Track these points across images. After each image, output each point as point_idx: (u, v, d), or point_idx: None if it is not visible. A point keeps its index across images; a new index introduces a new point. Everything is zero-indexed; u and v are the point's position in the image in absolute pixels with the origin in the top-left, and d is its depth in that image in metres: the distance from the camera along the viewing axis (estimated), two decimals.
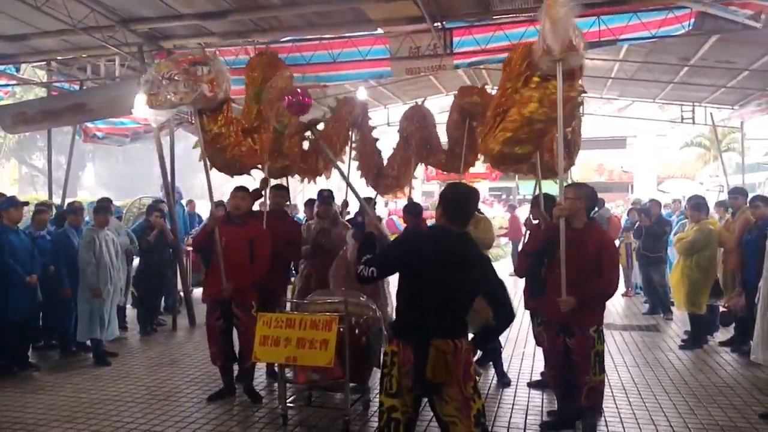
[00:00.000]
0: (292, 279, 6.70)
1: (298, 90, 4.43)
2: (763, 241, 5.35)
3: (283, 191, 5.99)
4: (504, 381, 5.48)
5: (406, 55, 8.54)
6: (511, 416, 4.70)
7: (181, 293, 8.63)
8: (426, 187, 16.63)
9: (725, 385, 5.45)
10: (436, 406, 2.97)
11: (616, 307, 9.38)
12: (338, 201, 7.04)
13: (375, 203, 6.78)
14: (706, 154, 26.50)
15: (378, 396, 3.01)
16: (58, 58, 9.29)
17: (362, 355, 4.55)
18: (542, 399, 5.08)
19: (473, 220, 3.83)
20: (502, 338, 6.25)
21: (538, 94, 4.21)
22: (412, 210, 5.86)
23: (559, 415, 4.47)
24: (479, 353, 5.80)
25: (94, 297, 6.07)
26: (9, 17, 7.42)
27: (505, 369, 5.66)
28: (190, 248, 8.22)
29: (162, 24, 7.79)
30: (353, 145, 6.95)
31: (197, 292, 8.23)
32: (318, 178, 6.76)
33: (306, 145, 6.36)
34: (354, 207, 7.09)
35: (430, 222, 6.04)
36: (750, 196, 7.13)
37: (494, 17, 8.02)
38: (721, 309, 7.20)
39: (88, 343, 6.43)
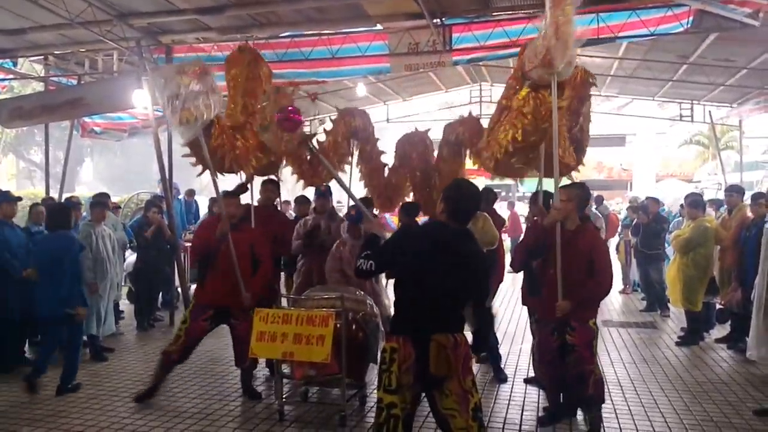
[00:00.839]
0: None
1: (290, 108, 4.36)
2: (760, 238, 5.35)
3: (273, 185, 5.96)
4: (501, 377, 5.49)
5: (405, 51, 8.54)
6: (507, 412, 4.71)
7: (179, 289, 8.62)
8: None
9: (720, 381, 5.46)
10: (436, 400, 2.99)
11: (613, 303, 9.40)
12: (337, 199, 6.98)
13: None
14: (704, 152, 26.50)
15: (376, 392, 3.02)
16: (56, 52, 9.27)
17: (359, 351, 4.55)
18: (538, 395, 5.08)
19: (473, 218, 3.83)
20: (499, 335, 6.27)
21: (529, 108, 4.20)
22: (409, 210, 5.80)
23: (553, 407, 4.50)
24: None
25: (92, 293, 6.06)
26: (6, 11, 7.40)
27: (502, 365, 5.67)
28: (188, 244, 8.21)
29: (160, 19, 7.78)
30: (356, 159, 6.39)
31: (195, 288, 8.22)
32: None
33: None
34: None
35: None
36: (747, 194, 7.15)
37: (493, 14, 8.02)
38: (718, 306, 7.22)
39: (85, 338, 6.43)
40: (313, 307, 4.53)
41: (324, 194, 6.09)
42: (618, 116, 19.68)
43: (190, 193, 11.38)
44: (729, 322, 6.89)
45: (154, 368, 5.10)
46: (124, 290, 8.40)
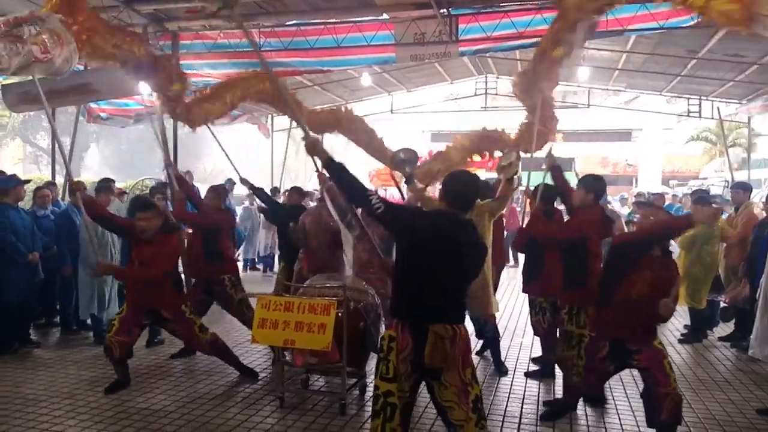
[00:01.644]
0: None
1: None
2: None
3: (216, 193, 5.99)
4: (501, 370, 5.50)
5: (411, 41, 8.48)
6: (507, 405, 4.72)
7: (183, 274, 8.63)
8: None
9: (724, 380, 5.44)
10: (435, 391, 2.99)
11: None
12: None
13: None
14: (711, 149, 26.37)
15: (374, 380, 3.02)
16: None
17: (360, 339, 4.56)
18: (539, 388, 5.10)
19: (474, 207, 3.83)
20: (500, 328, 6.27)
21: None
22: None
23: (562, 404, 4.50)
24: (479, 342, 5.84)
25: (98, 275, 6.04)
26: None
27: (502, 358, 5.67)
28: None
29: (167, 5, 7.75)
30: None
31: None
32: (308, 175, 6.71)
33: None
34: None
35: None
36: (754, 192, 7.10)
37: (501, 4, 7.96)
38: (722, 304, 7.19)
39: (89, 321, 6.48)
40: (314, 296, 4.54)
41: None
42: (625, 111, 19.60)
43: (189, 174, 11.31)
44: (733, 321, 6.87)
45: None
46: None
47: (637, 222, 3.89)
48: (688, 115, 14.93)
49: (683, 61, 10.92)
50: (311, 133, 3.45)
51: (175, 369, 5.45)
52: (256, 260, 11.99)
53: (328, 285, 4.75)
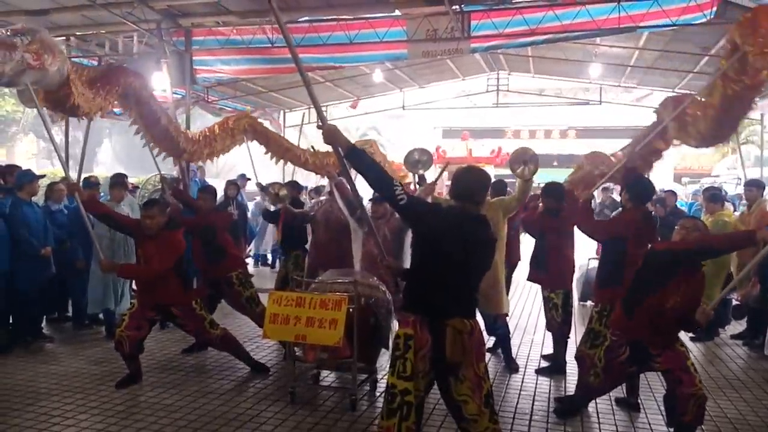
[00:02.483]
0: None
1: None
2: None
3: (208, 194, 6.02)
4: (512, 367, 5.50)
5: (423, 37, 8.48)
6: (518, 401, 4.72)
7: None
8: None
9: (735, 378, 5.41)
10: (451, 386, 2.99)
11: None
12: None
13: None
14: (724, 147, 26.11)
15: (388, 378, 3.02)
16: (77, 33, 9.33)
17: (371, 335, 4.57)
18: (549, 385, 5.09)
19: (486, 203, 3.85)
20: (511, 325, 6.27)
21: None
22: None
23: (575, 402, 4.50)
24: (490, 339, 5.84)
25: (102, 272, 6.07)
26: None
27: (513, 355, 5.66)
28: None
29: (181, 2, 7.81)
30: None
31: None
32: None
33: None
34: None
35: None
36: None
37: (513, 1, 7.95)
38: (734, 302, 7.14)
39: (101, 316, 6.54)
40: (326, 291, 4.56)
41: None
42: (637, 108, 19.45)
43: (201, 170, 11.37)
44: (745, 319, 6.82)
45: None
46: None
47: (678, 232, 3.78)
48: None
49: (696, 58, 10.83)
50: (328, 121, 3.35)
51: (186, 364, 5.48)
52: (268, 255, 12.03)
53: (339, 281, 4.76)
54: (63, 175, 6.31)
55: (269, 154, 8.03)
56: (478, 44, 8.72)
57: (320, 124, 3.28)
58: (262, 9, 8.07)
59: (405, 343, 2.95)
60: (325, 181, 9.76)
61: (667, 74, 12.60)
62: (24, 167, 6.85)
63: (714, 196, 7.02)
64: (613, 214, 7.30)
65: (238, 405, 4.48)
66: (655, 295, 3.63)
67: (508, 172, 5.64)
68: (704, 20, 7.73)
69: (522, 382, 5.19)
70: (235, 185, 9.40)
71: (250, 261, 11.06)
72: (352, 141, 3.38)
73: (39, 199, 6.69)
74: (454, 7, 7.81)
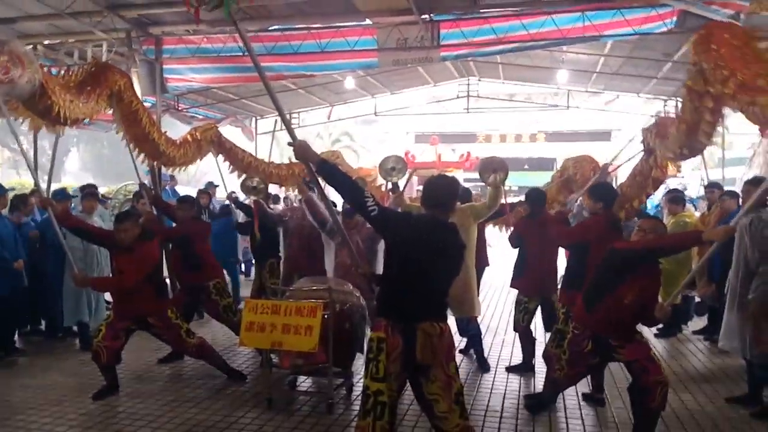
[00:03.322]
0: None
1: None
2: None
3: (187, 205, 6.10)
4: (484, 367, 5.64)
5: (394, 46, 8.60)
6: (489, 400, 4.86)
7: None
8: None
9: (696, 371, 5.66)
10: (423, 386, 3.12)
11: None
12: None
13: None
14: None
15: (363, 380, 3.14)
16: (45, 42, 9.23)
17: (346, 340, 4.66)
18: (519, 384, 5.26)
19: (456, 209, 3.97)
20: (483, 326, 6.42)
21: None
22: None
23: (545, 397, 4.65)
24: (464, 341, 5.98)
25: (80, 285, 6.05)
26: None
27: (485, 355, 5.81)
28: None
29: (150, 10, 7.79)
30: None
31: None
32: None
33: None
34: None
35: None
36: (728, 189, 7.32)
37: (481, 11, 8.11)
38: (696, 299, 7.41)
39: (75, 328, 6.50)
40: (301, 298, 4.63)
41: (308, 185, 6.15)
42: (604, 111, 19.88)
43: (173, 181, 11.33)
44: (706, 315, 7.08)
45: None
46: None
47: (637, 233, 3.96)
48: (665, 116, 15.19)
49: (659, 64, 11.15)
50: (298, 138, 3.49)
51: (162, 374, 5.50)
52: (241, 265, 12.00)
53: (314, 288, 4.84)
54: (30, 185, 6.28)
55: (231, 168, 8.08)
56: (448, 53, 8.89)
57: (291, 141, 3.44)
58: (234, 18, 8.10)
59: (377, 346, 3.07)
60: (290, 192, 9.88)
61: (632, 80, 12.94)
62: None
63: (675, 198, 7.29)
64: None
65: (216, 412, 4.53)
66: (613, 291, 3.79)
67: (476, 176, 5.78)
68: (665, 29, 8.00)
69: (493, 381, 5.34)
70: (207, 194, 9.41)
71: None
72: (325, 148, 3.51)
73: None
74: (423, 17, 7.95)
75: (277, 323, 4.39)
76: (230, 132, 17.57)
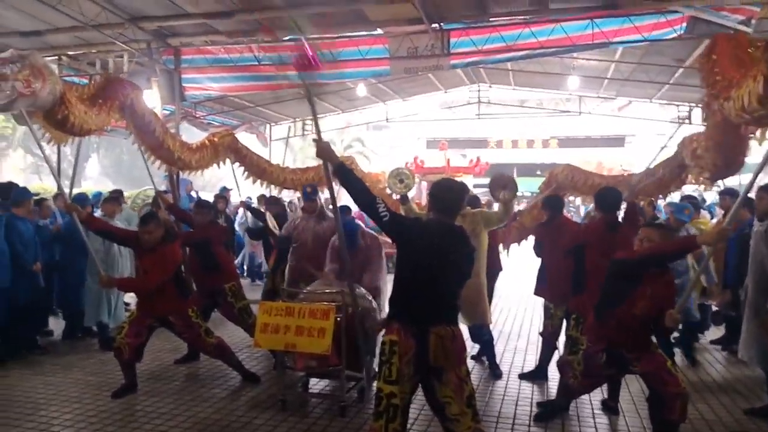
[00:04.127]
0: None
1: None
2: (743, 241, 5.37)
3: (204, 209, 6.22)
4: (496, 373, 5.64)
5: (405, 55, 8.75)
6: (501, 406, 4.86)
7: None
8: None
9: (714, 382, 5.54)
10: (435, 389, 3.18)
11: None
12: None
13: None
14: None
15: (376, 383, 3.20)
16: (69, 53, 9.49)
17: (358, 344, 4.75)
18: (532, 390, 5.24)
19: (462, 214, 4.06)
20: (495, 333, 6.45)
21: None
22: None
23: (556, 404, 4.66)
24: (476, 347, 6.03)
25: (104, 285, 6.22)
26: (25, 14, 7.69)
27: (497, 361, 5.81)
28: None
29: (170, 22, 8.00)
30: None
31: None
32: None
33: None
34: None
35: None
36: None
37: (490, 19, 8.21)
38: (713, 308, 7.31)
39: (95, 328, 6.69)
40: (314, 301, 4.73)
41: (311, 195, 6.22)
42: (617, 117, 19.82)
43: (189, 186, 11.52)
44: (724, 324, 6.99)
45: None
46: None
47: (636, 243, 3.98)
48: (678, 122, 15.14)
49: (671, 69, 11.17)
50: (323, 138, 3.65)
51: (180, 374, 5.63)
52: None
53: (327, 291, 4.93)
54: (52, 190, 6.49)
55: (246, 173, 8.24)
56: (458, 60, 9.01)
57: (316, 138, 3.62)
58: (249, 29, 8.30)
59: (390, 349, 3.14)
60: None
61: (644, 85, 12.93)
62: (12, 182, 7.01)
63: (691, 205, 7.26)
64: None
65: (232, 413, 4.64)
66: (622, 303, 3.77)
67: (486, 181, 5.88)
68: (675, 35, 8.03)
69: (506, 387, 5.35)
70: (224, 199, 9.58)
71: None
72: (338, 153, 3.68)
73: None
74: (433, 26, 8.07)
75: (290, 325, 4.49)
76: (245, 138, 17.88)
